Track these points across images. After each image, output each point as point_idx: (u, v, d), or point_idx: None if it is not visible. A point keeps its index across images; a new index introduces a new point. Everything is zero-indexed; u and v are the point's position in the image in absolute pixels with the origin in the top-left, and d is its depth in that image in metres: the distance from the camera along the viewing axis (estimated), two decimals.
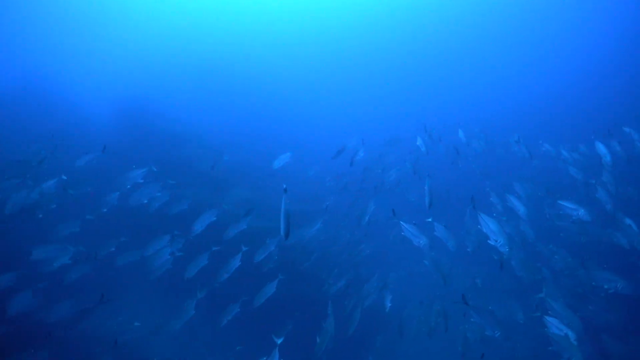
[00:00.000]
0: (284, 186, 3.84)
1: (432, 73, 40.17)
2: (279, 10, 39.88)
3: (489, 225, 5.61)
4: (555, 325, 5.52)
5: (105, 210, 7.28)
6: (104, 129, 13.32)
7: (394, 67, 40.15)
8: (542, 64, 37.87)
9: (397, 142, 11.50)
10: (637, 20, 30.62)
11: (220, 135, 16.60)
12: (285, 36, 40.58)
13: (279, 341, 5.54)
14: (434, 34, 39.67)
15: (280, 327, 7.60)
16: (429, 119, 13.59)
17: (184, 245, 7.16)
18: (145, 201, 6.62)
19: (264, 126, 21.96)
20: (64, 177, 7.78)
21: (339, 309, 7.19)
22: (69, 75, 22.39)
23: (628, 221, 7.63)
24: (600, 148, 8.07)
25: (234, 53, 34.01)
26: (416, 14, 38.43)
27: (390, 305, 7.27)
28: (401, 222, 6.29)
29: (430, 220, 7.11)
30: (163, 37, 33.50)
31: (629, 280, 6.81)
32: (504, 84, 37.94)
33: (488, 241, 5.73)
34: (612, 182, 8.33)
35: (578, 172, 9.43)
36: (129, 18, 34.12)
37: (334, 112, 33.46)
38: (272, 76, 34.33)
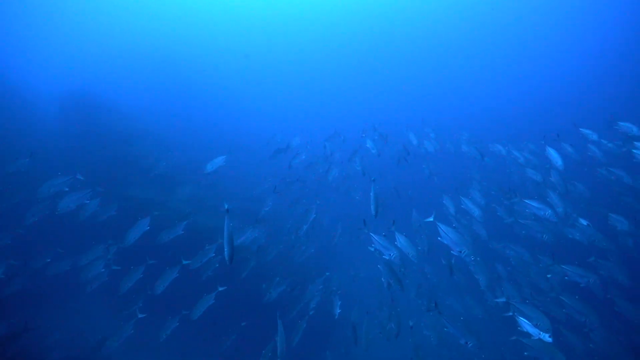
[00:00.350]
0: (226, 206, 3.60)
1: (382, 73, 40.29)
2: (232, 3, 38.89)
3: (449, 237, 5.38)
4: (529, 326, 5.33)
5: (36, 219, 6.86)
6: (48, 126, 12.64)
7: (343, 67, 40.12)
8: (500, 67, 38.79)
9: (338, 137, 11.22)
10: (590, 27, 31.85)
11: (169, 132, 16.11)
12: (236, 30, 39.55)
13: None
14: (384, 33, 39.35)
15: (224, 337, 7.32)
16: (377, 118, 13.49)
17: (117, 256, 6.81)
18: (74, 207, 6.24)
19: (214, 122, 21.51)
20: None
21: (283, 315, 6.94)
22: (10, 66, 20.75)
23: (583, 221, 7.74)
24: (551, 153, 8.16)
25: (185, 45, 33.24)
26: (364, 12, 38.00)
27: (339, 311, 7.09)
28: (371, 234, 5.99)
29: (392, 229, 6.92)
30: (115, 27, 32.04)
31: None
32: (457, 85, 38.64)
33: (452, 252, 5.54)
34: (562, 185, 8.46)
35: (536, 174, 9.57)
36: (79, 4, 31.88)
37: (284, 109, 33.34)
38: (225, 69, 33.74)
